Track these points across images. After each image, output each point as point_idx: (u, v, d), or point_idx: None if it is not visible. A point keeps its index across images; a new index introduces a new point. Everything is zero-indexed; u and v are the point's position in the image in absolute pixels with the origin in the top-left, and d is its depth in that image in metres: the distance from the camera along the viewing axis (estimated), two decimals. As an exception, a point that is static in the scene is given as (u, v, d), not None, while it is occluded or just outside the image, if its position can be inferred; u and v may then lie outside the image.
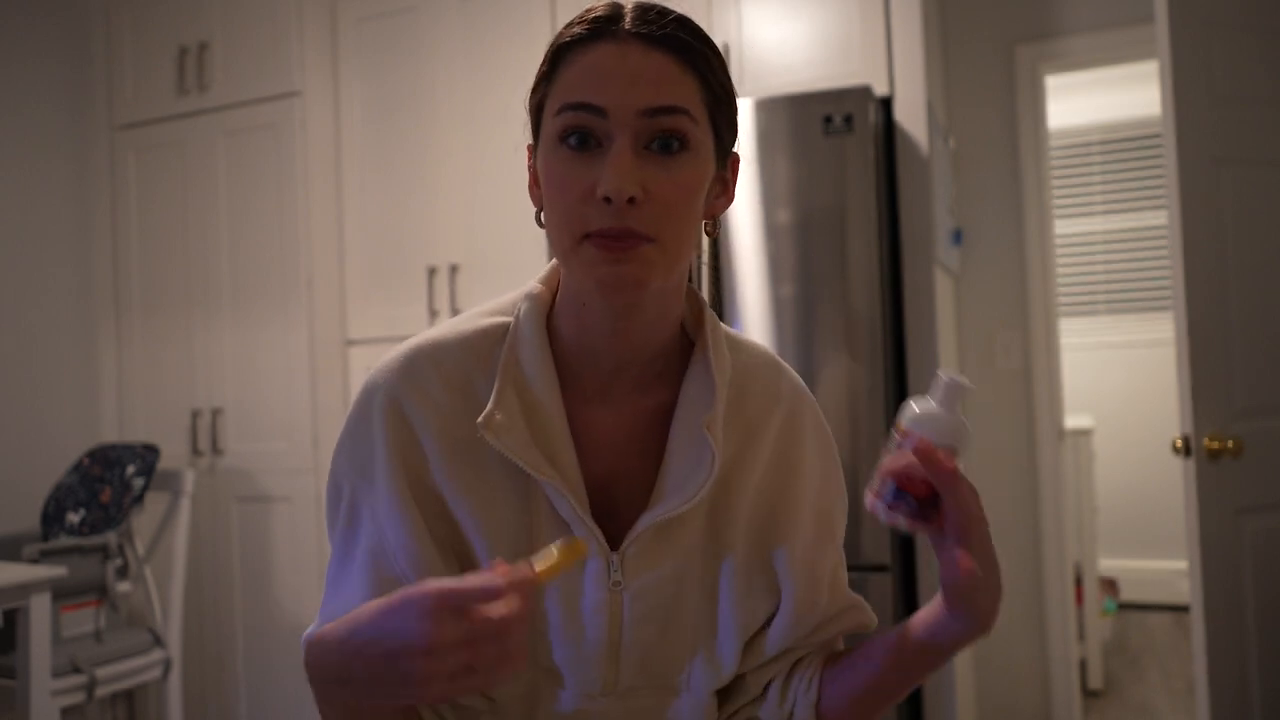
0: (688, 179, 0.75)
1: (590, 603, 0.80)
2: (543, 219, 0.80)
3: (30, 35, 3.14)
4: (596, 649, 0.81)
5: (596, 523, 0.80)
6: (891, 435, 0.77)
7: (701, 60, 0.76)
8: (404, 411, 0.80)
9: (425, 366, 0.82)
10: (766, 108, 2.36)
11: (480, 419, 0.77)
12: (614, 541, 0.81)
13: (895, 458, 0.75)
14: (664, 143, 0.74)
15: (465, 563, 0.81)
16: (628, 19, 0.75)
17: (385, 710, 0.73)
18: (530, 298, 0.85)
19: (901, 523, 0.75)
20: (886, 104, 2.45)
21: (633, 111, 0.73)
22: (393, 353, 0.84)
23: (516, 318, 0.84)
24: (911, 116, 2.44)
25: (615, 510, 0.82)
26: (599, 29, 0.75)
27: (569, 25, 0.77)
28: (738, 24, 2.58)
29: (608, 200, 0.71)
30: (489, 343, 0.83)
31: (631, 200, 0.72)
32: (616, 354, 0.82)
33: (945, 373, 0.75)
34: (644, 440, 0.84)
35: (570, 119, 0.74)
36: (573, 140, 0.74)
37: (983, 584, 0.74)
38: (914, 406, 0.76)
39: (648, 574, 0.81)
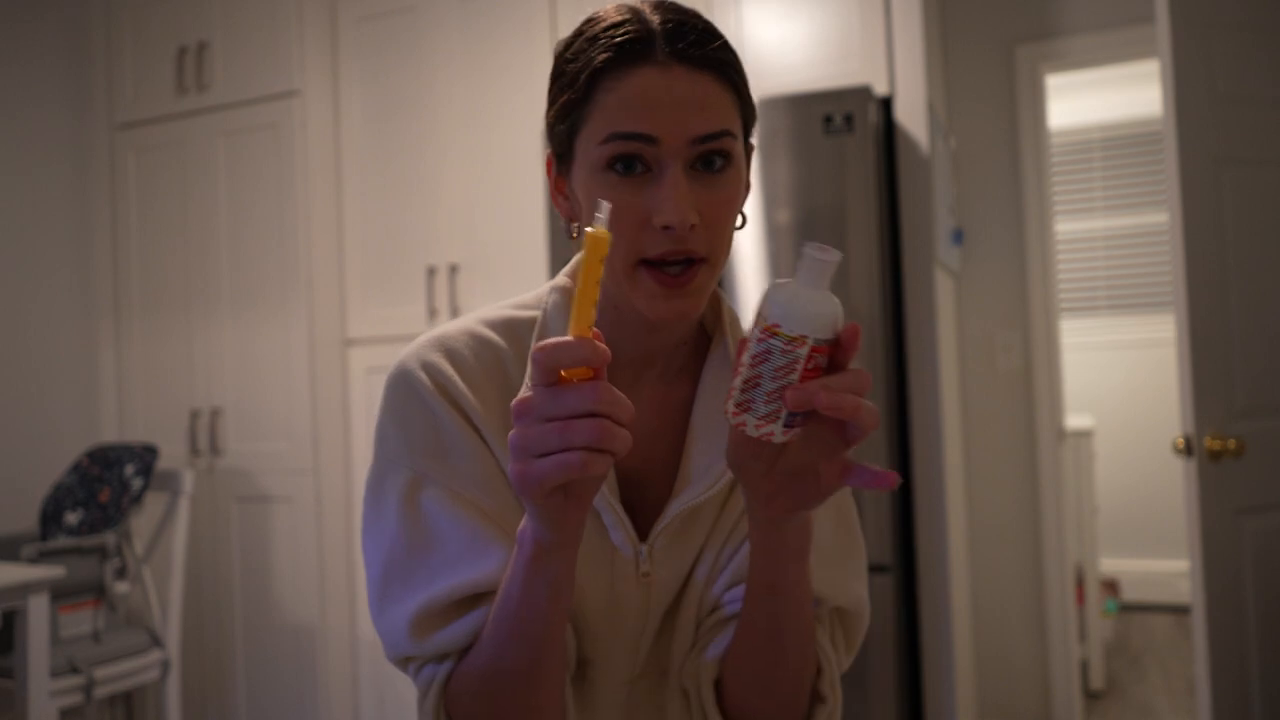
0: (732, 194, 0.76)
1: (620, 594, 0.81)
2: (575, 232, 0.79)
3: (30, 35, 3.14)
4: (625, 639, 0.82)
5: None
6: (754, 329, 0.64)
7: (736, 74, 0.76)
8: (449, 390, 0.78)
9: (461, 349, 0.80)
10: (766, 108, 2.35)
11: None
12: (640, 533, 0.82)
13: (796, 391, 0.62)
14: (708, 161, 0.74)
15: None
16: (662, 39, 0.73)
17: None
18: (558, 290, 0.84)
19: (780, 435, 0.64)
20: (886, 104, 2.45)
21: (685, 140, 0.72)
22: (422, 339, 0.82)
23: (545, 310, 0.84)
24: (911, 116, 2.44)
25: (641, 503, 0.82)
26: (635, 52, 0.73)
27: (595, 44, 0.74)
28: (738, 24, 2.58)
29: (666, 228, 0.72)
30: (519, 333, 0.83)
31: (692, 226, 0.72)
32: (646, 347, 0.83)
33: (810, 248, 0.62)
34: (668, 433, 0.84)
35: (620, 147, 0.72)
36: (619, 167, 0.73)
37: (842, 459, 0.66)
38: (794, 299, 0.62)
39: (673, 563, 0.82)
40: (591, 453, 0.58)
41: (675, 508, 0.80)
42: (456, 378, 0.78)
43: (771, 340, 0.62)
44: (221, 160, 3.06)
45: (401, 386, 0.80)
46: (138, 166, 3.21)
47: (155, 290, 3.17)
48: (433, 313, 2.86)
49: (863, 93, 2.28)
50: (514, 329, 0.83)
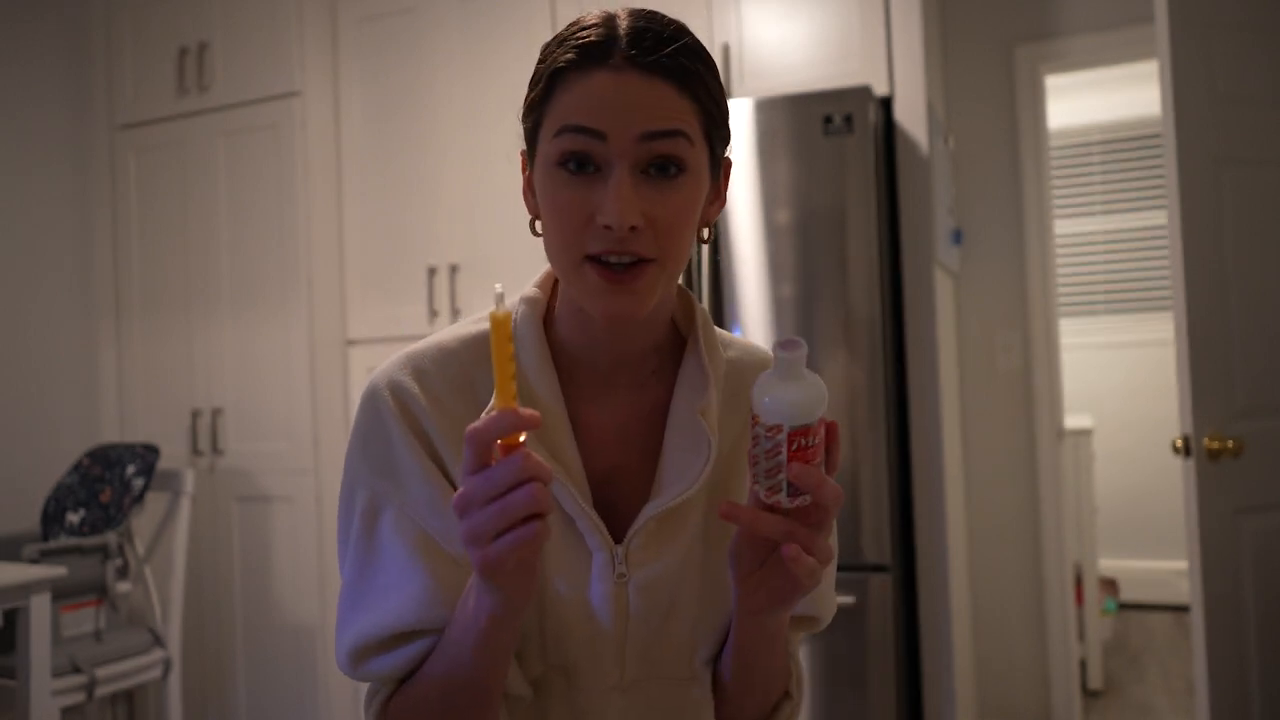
0: (685, 200, 0.76)
1: (596, 596, 0.81)
2: (538, 228, 0.82)
3: (30, 35, 3.14)
4: (605, 643, 0.82)
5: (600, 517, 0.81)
6: (752, 427, 0.72)
7: (697, 82, 0.76)
8: (412, 411, 0.81)
9: (428, 367, 0.83)
10: (766, 108, 2.36)
11: (483, 414, 0.78)
12: (617, 536, 0.82)
13: (797, 470, 0.70)
14: (661, 167, 0.75)
15: None
16: (623, 44, 0.74)
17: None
18: (526, 301, 0.86)
19: (788, 503, 0.72)
20: (886, 104, 2.46)
21: (632, 137, 0.73)
22: (393, 357, 0.85)
23: (514, 321, 0.85)
24: (911, 116, 2.44)
25: (618, 506, 0.83)
26: (593, 55, 0.75)
27: (561, 46, 0.77)
28: (738, 24, 2.58)
29: (607, 227, 0.73)
30: (487, 343, 0.85)
31: (633, 228, 0.73)
32: (613, 353, 0.84)
33: (781, 346, 0.69)
34: (643, 437, 0.85)
35: (569, 141, 0.74)
36: (571, 165, 0.75)
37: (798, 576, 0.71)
38: (768, 394, 0.70)
39: (651, 565, 0.82)
40: (536, 519, 0.63)
41: (649, 511, 0.81)
42: (421, 397, 0.81)
43: (755, 428, 0.71)
44: (222, 160, 3.06)
45: (368, 407, 0.83)
46: (138, 167, 3.21)
47: (155, 290, 3.17)
48: (433, 313, 2.86)
49: (862, 93, 2.29)
50: (483, 341, 0.85)
